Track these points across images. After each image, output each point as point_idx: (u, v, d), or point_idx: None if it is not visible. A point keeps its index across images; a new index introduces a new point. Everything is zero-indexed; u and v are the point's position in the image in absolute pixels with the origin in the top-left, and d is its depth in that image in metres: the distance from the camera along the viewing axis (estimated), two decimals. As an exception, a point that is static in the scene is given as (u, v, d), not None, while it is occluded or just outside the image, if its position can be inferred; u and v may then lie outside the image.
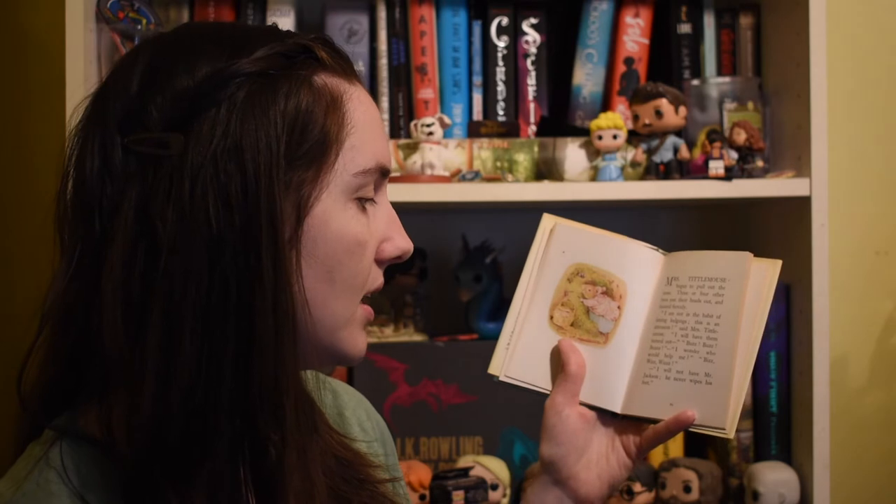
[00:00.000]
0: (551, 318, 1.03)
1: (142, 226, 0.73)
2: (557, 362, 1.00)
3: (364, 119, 0.79)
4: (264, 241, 0.72)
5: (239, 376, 0.72)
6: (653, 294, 1.02)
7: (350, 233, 0.78)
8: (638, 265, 1.03)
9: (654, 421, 0.97)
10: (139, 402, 0.71)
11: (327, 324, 0.78)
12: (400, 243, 0.82)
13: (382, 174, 0.81)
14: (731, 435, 0.94)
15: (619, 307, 1.02)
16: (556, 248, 1.04)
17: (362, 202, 0.79)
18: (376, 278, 0.82)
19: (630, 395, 0.99)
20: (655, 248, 1.05)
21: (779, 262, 1.00)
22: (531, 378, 1.01)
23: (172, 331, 0.71)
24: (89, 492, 0.73)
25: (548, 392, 1.00)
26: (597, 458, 0.98)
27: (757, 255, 1.01)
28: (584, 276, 1.03)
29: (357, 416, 0.99)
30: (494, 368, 1.02)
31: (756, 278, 0.99)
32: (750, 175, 1.54)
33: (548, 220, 1.07)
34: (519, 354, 1.02)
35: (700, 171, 1.53)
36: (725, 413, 0.94)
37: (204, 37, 0.78)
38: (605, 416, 0.99)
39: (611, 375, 1.00)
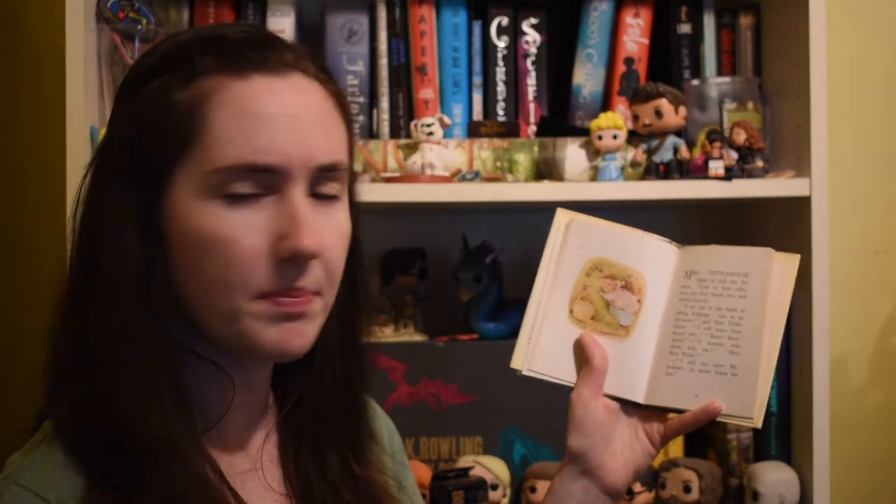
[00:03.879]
0: (571, 311, 1.05)
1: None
2: (580, 355, 1.03)
3: (234, 117, 0.79)
4: (110, 233, 0.79)
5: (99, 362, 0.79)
6: (670, 287, 1.04)
7: (207, 230, 0.79)
8: (655, 258, 1.05)
9: (679, 411, 1.00)
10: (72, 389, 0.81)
11: (214, 315, 0.81)
12: (292, 242, 0.79)
13: (260, 171, 0.79)
14: (759, 424, 0.98)
15: (638, 300, 1.04)
16: (574, 243, 1.06)
17: (233, 198, 0.79)
18: (271, 277, 0.79)
19: (653, 386, 1.01)
20: (669, 241, 1.07)
21: (797, 256, 1.03)
22: (555, 371, 1.04)
23: (77, 323, 0.81)
24: (94, 465, 0.78)
25: (572, 385, 1.02)
26: (621, 447, 1.01)
27: None
28: (602, 270, 1.05)
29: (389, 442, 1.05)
30: (517, 363, 1.04)
31: (777, 272, 1.02)
32: (750, 175, 1.54)
33: (563, 215, 1.09)
34: (541, 348, 1.04)
35: (700, 171, 1.53)
36: (753, 403, 0.97)
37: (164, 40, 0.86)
38: (628, 407, 1.02)
39: (633, 367, 1.02)
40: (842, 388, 1.85)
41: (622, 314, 1.04)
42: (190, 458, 0.80)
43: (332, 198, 0.83)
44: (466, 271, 1.64)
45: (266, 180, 0.79)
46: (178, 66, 0.80)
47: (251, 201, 0.79)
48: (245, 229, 0.79)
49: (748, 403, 0.97)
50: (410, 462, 1.55)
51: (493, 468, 1.54)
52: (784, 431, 1.61)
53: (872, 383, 1.88)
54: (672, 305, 1.04)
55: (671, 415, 1.01)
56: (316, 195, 0.82)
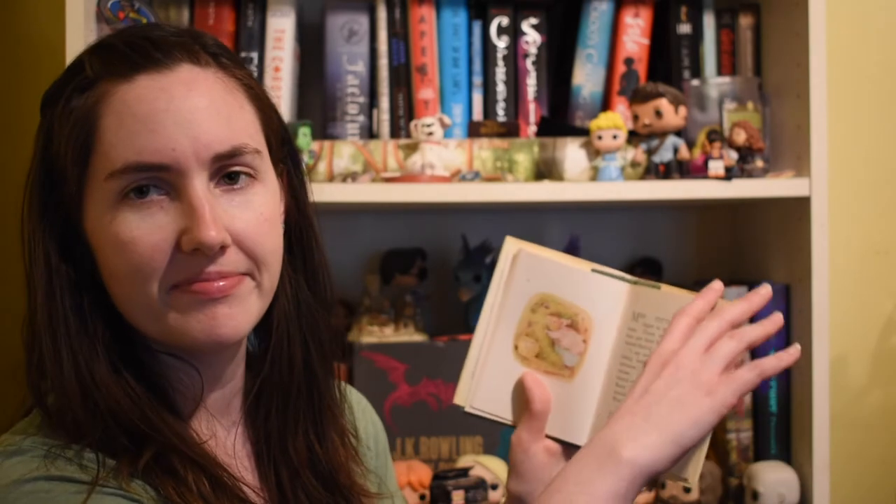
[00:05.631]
0: (516, 347, 0.99)
1: None
2: (523, 394, 0.98)
3: (120, 120, 0.80)
4: (36, 254, 0.86)
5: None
6: (618, 328, 0.99)
7: (116, 235, 0.81)
8: (603, 297, 0.99)
9: None
10: None
11: (141, 315, 0.83)
12: (194, 235, 0.79)
13: (150, 170, 0.80)
14: (693, 484, 0.92)
15: (584, 340, 0.99)
16: (521, 275, 1.00)
17: (136, 201, 0.80)
18: (181, 269, 0.81)
19: (596, 431, 0.96)
20: (621, 275, 1.01)
21: None
22: (497, 409, 0.99)
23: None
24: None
25: (513, 424, 0.98)
26: None
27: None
28: (548, 306, 0.99)
29: (367, 432, 1.03)
30: (460, 398, 0.99)
31: None
32: (750, 175, 1.54)
33: (512, 244, 1.03)
34: (484, 385, 0.99)
35: (700, 172, 1.53)
36: (687, 463, 0.92)
37: None
38: (571, 449, 0.97)
39: (577, 410, 0.98)
40: (841, 388, 1.85)
41: (567, 354, 0.98)
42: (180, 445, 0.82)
43: (243, 182, 0.83)
44: (466, 271, 1.64)
45: (164, 178, 0.80)
46: (76, 78, 0.83)
47: (155, 201, 0.80)
48: (148, 229, 0.80)
49: (682, 463, 0.91)
50: (411, 462, 1.56)
51: (493, 468, 1.54)
52: (784, 431, 1.61)
53: (872, 383, 1.88)
54: (618, 349, 0.98)
55: None
56: (226, 181, 0.82)
